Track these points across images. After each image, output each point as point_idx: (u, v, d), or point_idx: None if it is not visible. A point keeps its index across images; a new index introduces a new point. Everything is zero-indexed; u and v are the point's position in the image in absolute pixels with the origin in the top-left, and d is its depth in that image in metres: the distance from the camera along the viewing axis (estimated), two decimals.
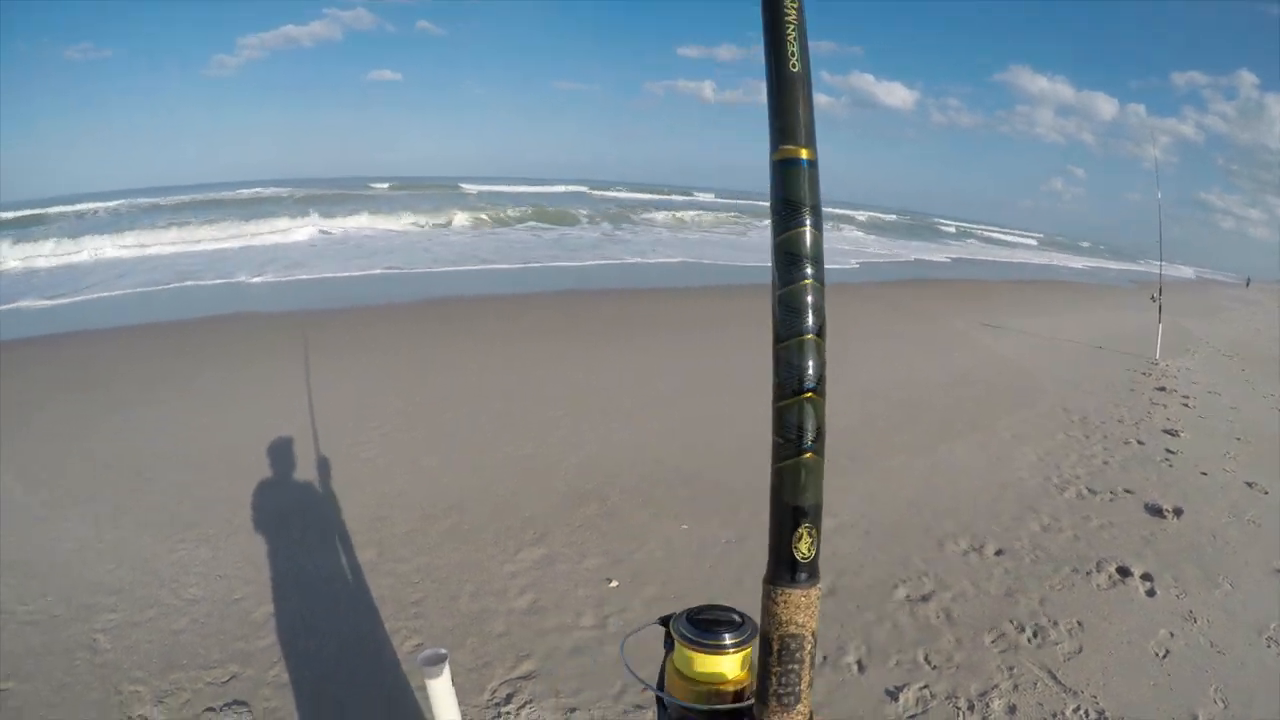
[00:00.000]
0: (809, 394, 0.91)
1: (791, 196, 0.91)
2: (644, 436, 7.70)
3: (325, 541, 5.46)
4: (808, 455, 0.91)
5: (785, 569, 0.92)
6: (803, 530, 0.91)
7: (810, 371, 0.91)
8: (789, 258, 0.91)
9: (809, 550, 0.92)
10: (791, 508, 0.91)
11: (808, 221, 0.91)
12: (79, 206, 37.94)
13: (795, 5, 0.96)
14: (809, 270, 0.91)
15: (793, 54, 0.95)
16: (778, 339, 0.91)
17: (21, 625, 4.42)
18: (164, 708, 3.78)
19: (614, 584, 4.97)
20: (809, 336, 0.91)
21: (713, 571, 5.15)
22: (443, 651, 2.50)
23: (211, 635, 4.36)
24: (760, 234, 35.84)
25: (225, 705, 3.81)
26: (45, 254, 21.39)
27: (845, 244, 38.76)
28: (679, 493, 6.41)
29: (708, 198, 64.88)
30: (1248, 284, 59.39)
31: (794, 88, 0.94)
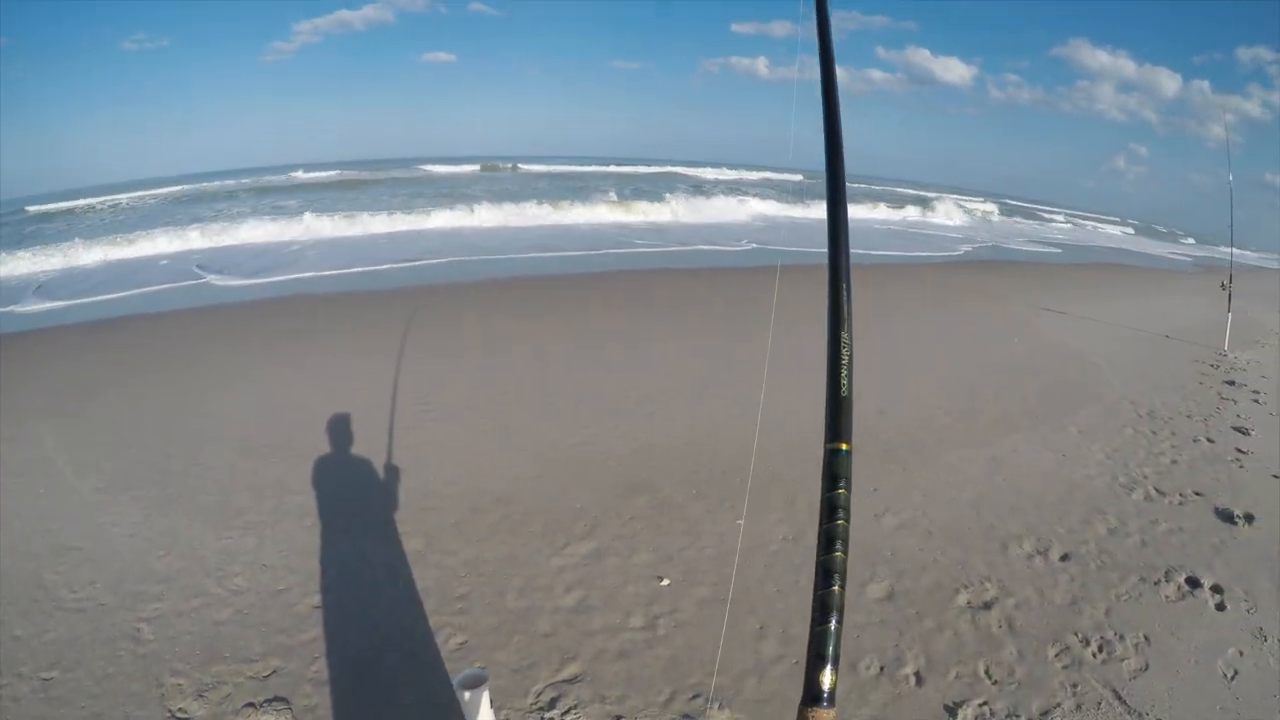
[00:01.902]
0: (830, 621, 1.26)
1: (837, 473, 1.35)
2: (698, 426, 7.60)
3: (371, 531, 5.44)
4: (833, 626, 1.26)
5: (812, 694, 1.23)
6: (824, 669, 1.24)
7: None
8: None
9: (828, 684, 1.24)
10: (816, 654, 1.25)
11: (843, 491, 1.35)
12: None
13: (848, 338, 1.44)
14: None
15: (844, 381, 1.42)
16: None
17: (69, 613, 4.45)
18: (204, 701, 3.77)
19: (665, 582, 4.88)
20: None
21: (767, 571, 5.03)
22: (484, 674, 2.42)
23: (254, 627, 4.35)
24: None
25: (266, 701, 3.79)
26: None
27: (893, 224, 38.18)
28: (734, 485, 6.30)
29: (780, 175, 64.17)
30: None
31: (840, 406, 1.40)
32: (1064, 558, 5.46)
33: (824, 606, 1.27)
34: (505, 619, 4.47)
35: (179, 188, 43.15)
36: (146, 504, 5.83)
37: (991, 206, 55.46)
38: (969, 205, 52.83)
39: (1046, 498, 6.45)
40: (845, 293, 1.48)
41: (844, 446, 1.38)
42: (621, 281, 16.45)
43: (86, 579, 4.79)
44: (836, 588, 1.28)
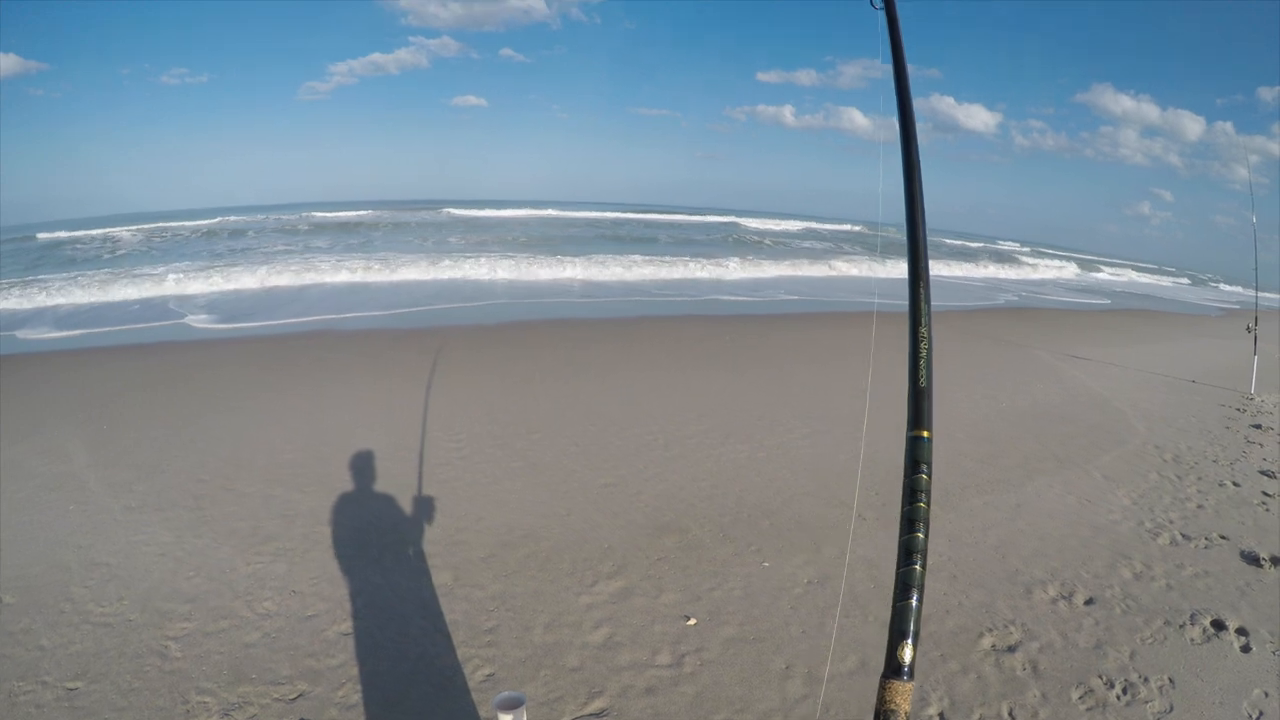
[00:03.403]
0: (912, 598, 1.39)
1: (919, 458, 1.49)
2: (727, 468, 7.65)
3: (401, 562, 5.52)
4: (914, 603, 1.38)
5: (892, 668, 1.34)
6: (905, 644, 1.34)
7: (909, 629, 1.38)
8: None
9: (909, 657, 1.33)
10: (898, 630, 1.35)
11: (924, 476, 1.49)
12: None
13: (927, 333, 1.59)
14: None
15: (923, 373, 1.55)
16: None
17: (96, 627, 4.54)
18: None
19: (692, 621, 4.92)
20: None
21: (793, 613, 5.07)
22: (520, 696, 2.48)
23: (282, 650, 4.42)
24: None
25: None
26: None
27: (941, 269, 38.11)
28: (761, 528, 6.36)
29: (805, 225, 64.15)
30: None
31: (921, 396, 1.54)
32: (1088, 601, 5.48)
33: (905, 584, 1.38)
34: (533, 653, 4.52)
35: (205, 221, 43.22)
36: (177, 526, 5.95)
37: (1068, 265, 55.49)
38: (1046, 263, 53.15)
39: (1070, 542, 6.47)
40: (924, 293, 1.64)
41: (925, 434, 1.52)
42: (650, 327, 16.58)
43: (115, 595, 4.89)
44: (918, 566, 1.39)
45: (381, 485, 6.74)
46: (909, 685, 1.32)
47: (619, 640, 4.70)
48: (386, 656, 4.43)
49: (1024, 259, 57.38)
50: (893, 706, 1.30)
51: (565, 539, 6.00)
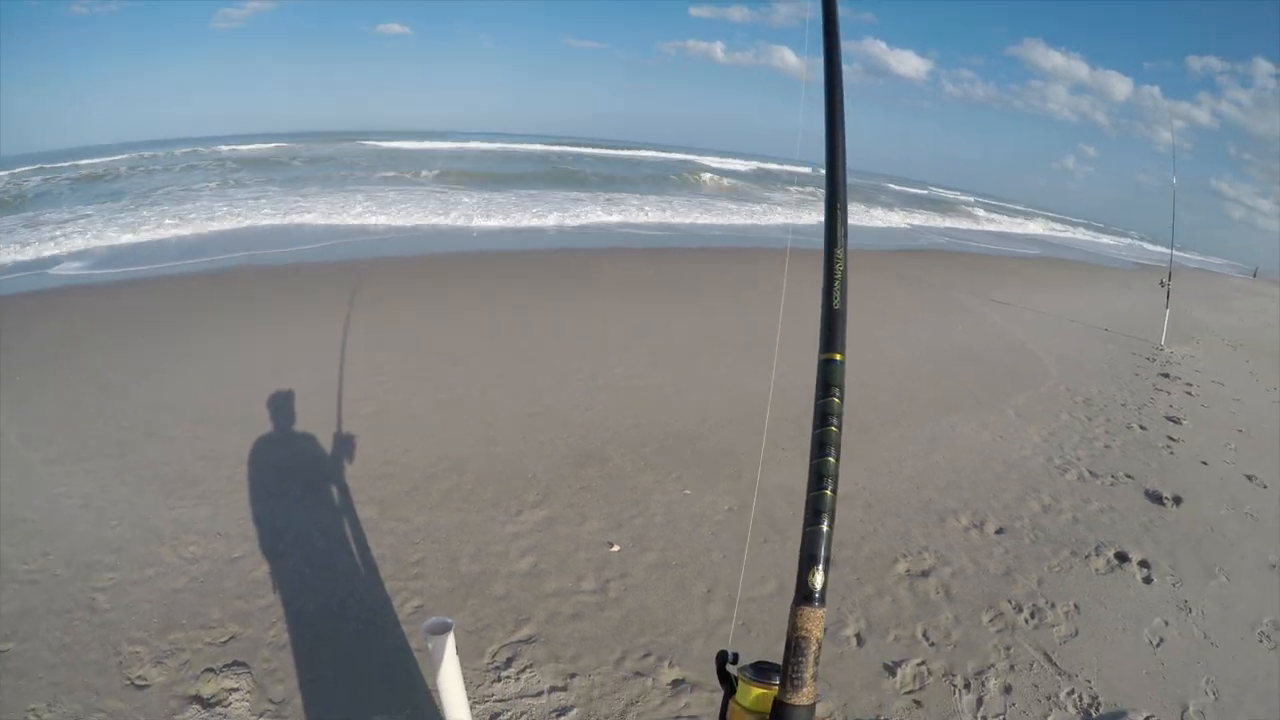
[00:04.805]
0: (822, 523, 1.31)
1: (830, 381, 1.44)
2: (649, 398, 7.73)
3: (326, 499, 5.49)
4: (824, 528, 1.30)
5: (802, 594, 1.29)
6: (816, 569, 1.29)
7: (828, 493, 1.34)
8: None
9: (820, 583, 1.29)
10: (808, 555, 1.30)
11: (836, 400, 1.43)
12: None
13: (842, 255, 1.55)
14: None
15: (837, 295, 1.51)
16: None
17: (21, 585, 4.42)
18: (163, 668, 3.79)
19: (615, 548, 4.99)
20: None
21: (714, 539, 5.17)
22: (449, 620, 2.52)
23: (211, 595, 4.38)
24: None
25: (225, 666, 3.82)
26: None
27: (861, 217, 38.30)
28: (683, 456, 6.44)
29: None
30: (1255, 275, 59.43)
31: (834, 318, 1.50)
32: (999, 531, 5.67)
33: (815, 509, 1.33)
34: (460, 583, 4.55)
35: (116, 157, 40.90)
36: (100, 475, 5.77)
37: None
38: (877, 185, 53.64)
39: (983, 475, 6.67)
40: (840, 215, 1.58)
41: (837, 356, 1.48)
42: (578, 257, 16.55)
43: (39, 550, 4.75)
44: (828, 491, 1.35)
45: (305, 422, 6.65)
46: (820, 611, 1.28)
47: (544, 568, 4.75)
48: (315, 594, 4.42)
49: (949, 204, 58.11)
50: (804, 633, 1.27)
51: (490, 469, 6.01)
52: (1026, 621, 4.57)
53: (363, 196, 24.55)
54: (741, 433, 6.87)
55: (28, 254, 15.09)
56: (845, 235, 1.57)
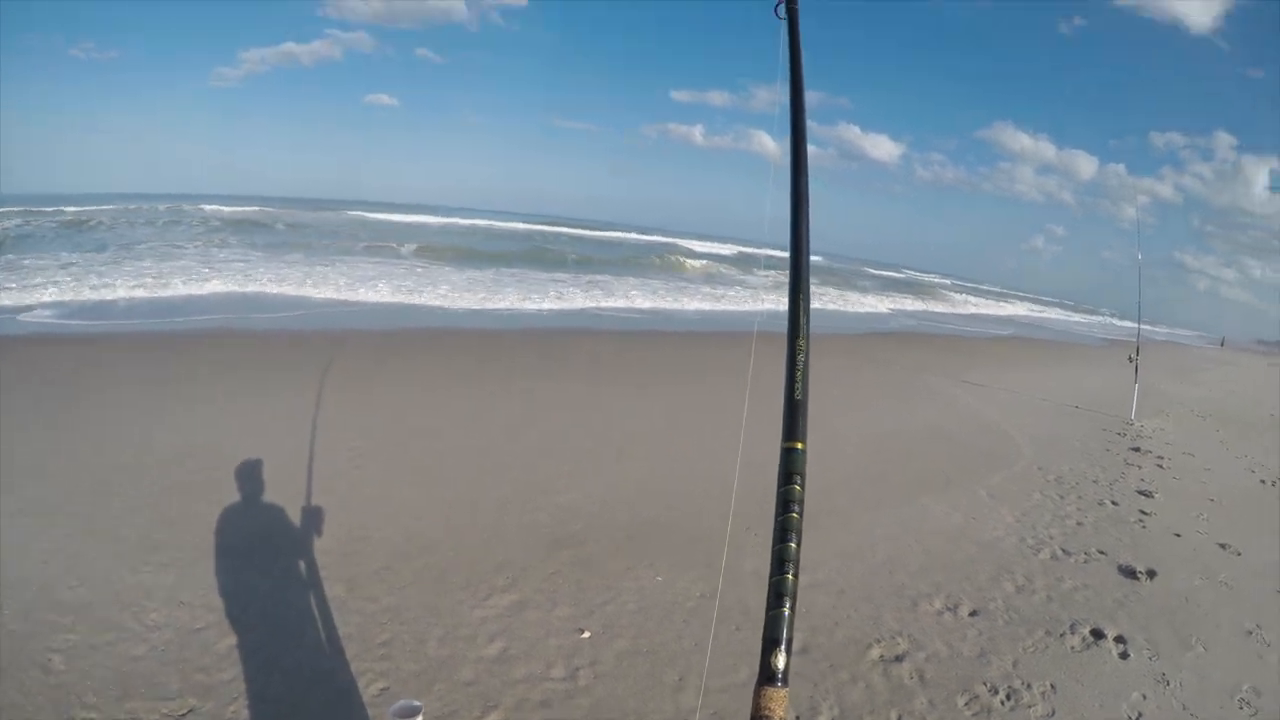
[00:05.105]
0: (784, 606, 1.39)
1: (792, 470, 1.51)
2: (622, 484, 7.67)
3: (294, 574, 5.39)
4: (786, 612, 1.39)
5: (765, 675, 1.35)
6: (778, 651, 1.36)
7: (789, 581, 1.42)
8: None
9: (783, 664, 1.35)
10: (770, 638, 1.38)
11: (797, 488, 1.51)
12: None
13: (804, 345, 1.62)
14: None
15: (799, 385, 1.59)
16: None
17: None
18: None
19: (586, 634, 4.92)
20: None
21: (685, 626, 5.10)
22: (417, 704, 2.47)
23: (171, 664, 4.26)
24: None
25: None
26: None
27: (837, 302, 38.57)
28: (655, 542, 6.38)
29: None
30: (1222, 344, 60.41)
31: (796, 408, 1.58)
32: (973, 613, 5.62)
33: (778, 593, 1.39)
34: (427, 666, 4.46)
35: (101, 206, 40.62)
36: (62, 531, 5.68)
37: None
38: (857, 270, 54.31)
39: (956, 558, 6.64)
40: (803, 306, 1.66)
41: (799, 445, 1.55)
42: (556, 339, 16.61)
43: None
44: (790, 575, 1.41)
45: (275, 493, 6.53)
46: (783, 691, 1.35)
47: (513, 653, 4.66)
48: (279, 670, 4.32)
49: (925, 287, 58.92)
50: (767, 713, 1.33)
51: (460, 552, 5.94)
52: (1003, 704, 4.52)
53: (345, 267, 24.83)
54: (714, 518, 6.82)
55: (1, 298, 15.06)
56: (807, 325, 1.66)
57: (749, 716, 1.34)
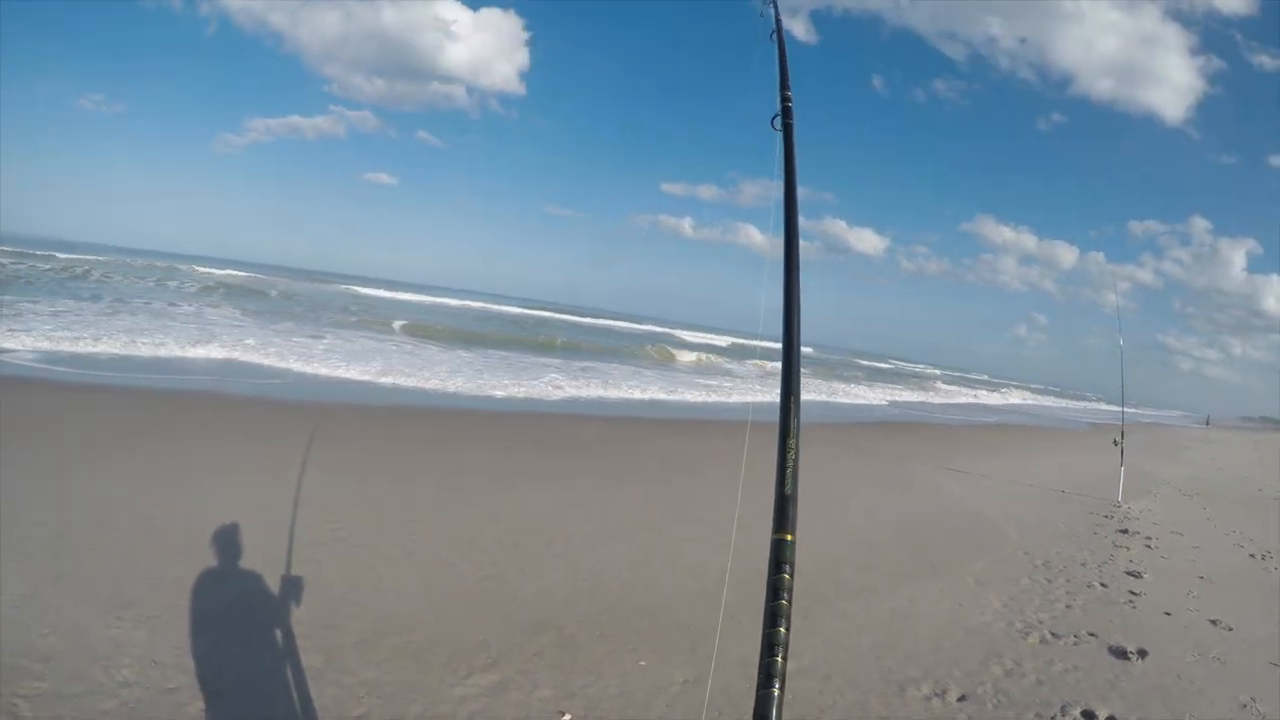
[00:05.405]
0: (774, 687, 1.45)
1: (781, 559, 1.58)
2: (606, 568, 7.58)
3: (270, 641, 5.31)
4: (776, 692, 1.45)
5: None
6: None
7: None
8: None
9: None
10: (760, 717, 1.42)
11: (787, 576, 1.57)
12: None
13: (794, 444, 1.72)
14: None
15: (789, 481, 1.67)
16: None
17: None
18: None
19: (567, 717, 4.82)
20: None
21: (668, 710, 5.01)
22: None
23: None
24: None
25: None
26: None
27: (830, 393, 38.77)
28: (639, 627, 6.28)
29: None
30: (1207, 423, 60.93)
31: (786, 502, 1.64)
32: (961, 698, 5.53)
33: (768, 674, 1.45)
34: None
35: (98, 256, 40.80)
36: (35, 579, 5.61)
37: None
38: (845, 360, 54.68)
39: (943, 643, 6.55)
40: (794, 407, 1.78)
41: (789, 537, 1.62)
42: (545, 423, 16.67)
43: None
44: (779, 658, 1.48)
45: (254, 559, 6.40)
46: None
47: None
48: None
49: (912, 377, 59.41)
50: None
51: (440, 630, 5.83)
52: None
53: (335, 340, 25.19)
54: (698, 606, 6.74)
55: None
56: (798, 425, 1.79)
57: None
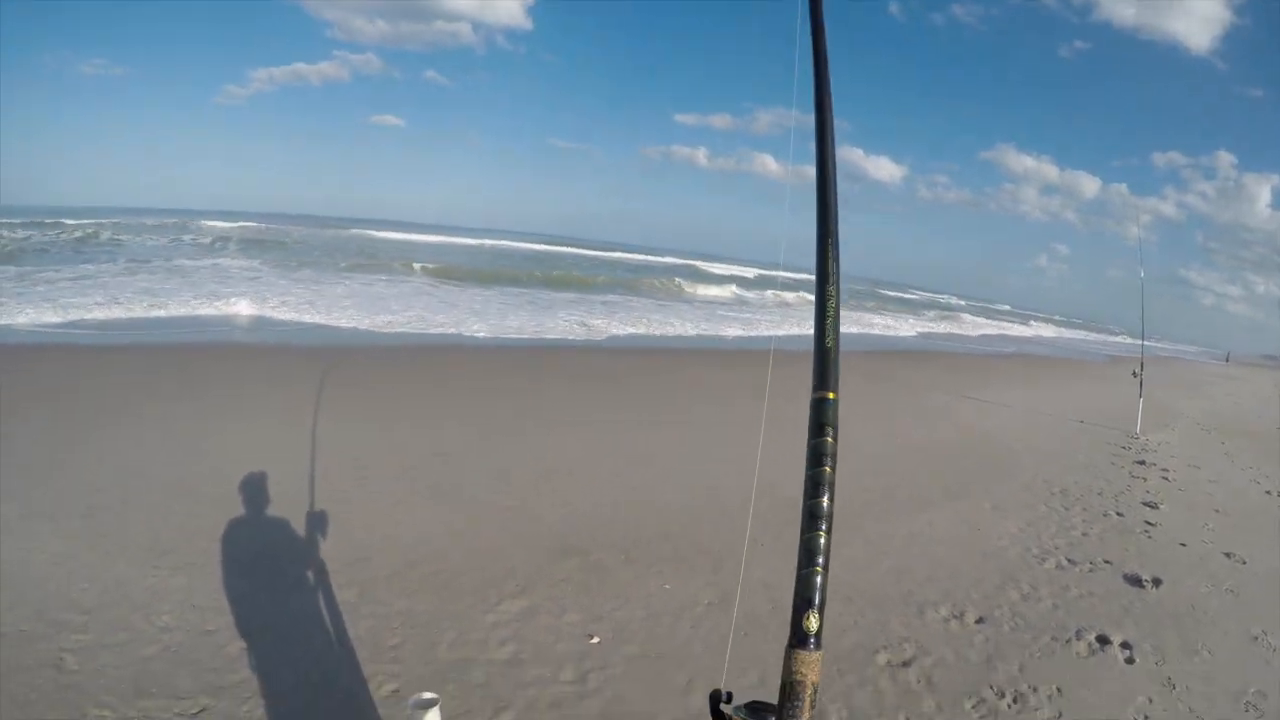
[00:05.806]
0: (817, 565, 1.32)
1: (823, 421, 1.44)
2: (631, 494, 7.73)
3: (304, 578, 5.43)
4: (819, 571, 1.32)
5: (798, 638, 1.28)
6: (810, 613, 1.29)
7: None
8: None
9: (815, 626, 1.28)
10: (803, 599, 1.31)
11: (829, 439, 1.43)
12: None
13: (834, 292, 1.53)
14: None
15: (829, 333, 1.51)
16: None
17: None
18: None
19: (595, 640, 4.94)
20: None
21: (693, 632, 5.13)
22: (435, 696, 2.51)
23: (183, 665, 4.28)
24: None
25: None
26: None
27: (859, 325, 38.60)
28: (663, 551, 6.41)
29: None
30: (1227, 359, 60.39)
31: (827, 356, 1.50)
32: (979, 620, 5.65)
33: (809, 551, 1.33)
34: (438, 669, 4.48)
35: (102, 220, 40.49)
36: (73, 535, 5.72)
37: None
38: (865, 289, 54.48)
39: (961, 567, 6.66)
40: (831, 252, 1.57)
41: (830, 395, 1.48)
42: (571, 359, 16.74)
43: (7, 603, 4.68)
44: (822, 532, 1.34)
45: (284, 503, 6.48)
46: (816, 655, 1.27)
47: (524, 657, 4.69)
48: (291, 672, 4.35)
49: (937, 307, 59.14)
50: (799, 676, 1.26)
51: (469, 560, 5.96)
52: (1009, 707, 4.55)
53: (354, 285, 25.03)
54: (720, 530, 6.84)
55: (11, 308, 15.02)
56: (838, 272, 1.56)
57: (780, 681, 1.28)
